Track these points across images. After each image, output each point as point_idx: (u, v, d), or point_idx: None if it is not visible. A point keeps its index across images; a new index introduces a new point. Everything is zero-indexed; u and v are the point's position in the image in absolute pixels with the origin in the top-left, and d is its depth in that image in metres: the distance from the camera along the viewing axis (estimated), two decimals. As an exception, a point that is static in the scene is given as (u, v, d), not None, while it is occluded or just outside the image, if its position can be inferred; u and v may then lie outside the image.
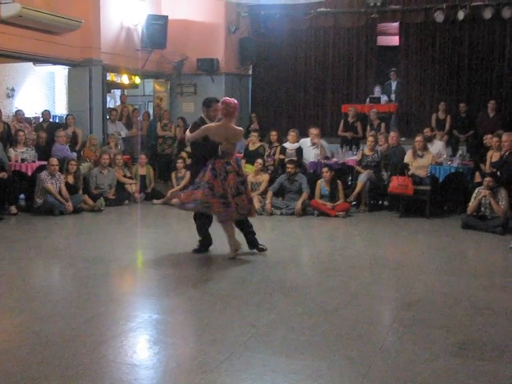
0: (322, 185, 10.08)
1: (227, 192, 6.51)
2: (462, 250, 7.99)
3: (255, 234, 7.09)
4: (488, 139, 10.10)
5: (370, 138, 10.92)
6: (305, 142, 11.31)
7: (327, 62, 14.55)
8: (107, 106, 13.46)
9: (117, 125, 12.75)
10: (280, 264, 6.77)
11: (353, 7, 13.96)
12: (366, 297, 5.44)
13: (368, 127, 12.44)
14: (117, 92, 16.54)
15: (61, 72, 14.90)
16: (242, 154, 11.29)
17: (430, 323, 4.70)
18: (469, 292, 5.64)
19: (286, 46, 14.82)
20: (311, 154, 11.10)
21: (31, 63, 13.52)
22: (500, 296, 5.57)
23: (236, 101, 6.81)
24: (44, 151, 10.74)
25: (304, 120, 14.49)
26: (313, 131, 11.26)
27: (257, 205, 9.80)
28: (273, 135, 11.51)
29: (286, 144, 11.27)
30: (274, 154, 11.19)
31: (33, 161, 10.28)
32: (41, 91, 15.75)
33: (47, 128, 11.92)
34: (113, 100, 16.69)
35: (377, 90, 13.84)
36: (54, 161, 9.97)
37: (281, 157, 11.03)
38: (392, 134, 10.88)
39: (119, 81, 14.85)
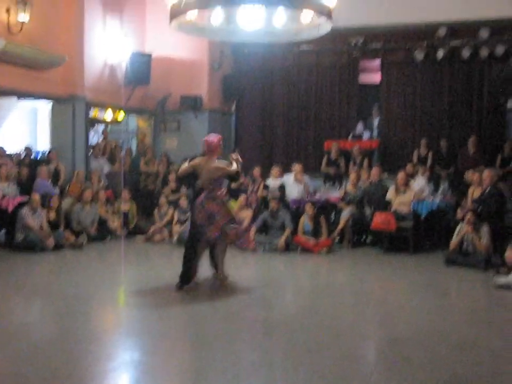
0: (305, 222, 10.07)
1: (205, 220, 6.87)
2: (446, 286, 7.99)
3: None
4: (470, 175, 10.20)
5: (353, 175, 10.98)
6: (289, 178, 11.34)
7: (310, 98, 14.69)
8: (90, 142, 13.43)
9: (99, 161, 12.70)
10: (263, 301, 6.72)
11: (336, 46, 14.15)
12: (350, 335, 5.40)
13: (351, 163, 12.51)
14: (101, 127, 16.52)
15: (43, 108, 14.89)
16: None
17: (415, 361, 4.67)
18: (453, 328, 5.62)
19: (269, 83, 14.95)
20: (294, 190, 11.13)
21: (14, 99, 13.50)
22: (484, 332, 5.56)
23: (218, 139, 7.03)
24: (26, 187, 10.65)
25: (287, 156, 14.54)
26: (297, 167, 11.31)
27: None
28: (256, 171, 11.53)
29: (269, 180, 11.29)
30: (257, 190, 11.19)
31: (15, 197, 10.17)
32: (23, 126, 15.70)
33: (29, 163, 11.84)
34: (97, 135, 16.66)
35: (359, 127, 13.97)
36: (36, 196, 9.88)
37: (265, 193, 11.04)
38: (373, 170, 10.96)
39: (102, 116, 14.85)
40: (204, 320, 5.90)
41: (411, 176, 10.69)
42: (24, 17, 10.73)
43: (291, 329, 5.53)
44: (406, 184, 10.20)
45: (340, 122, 14.45)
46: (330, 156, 12.74)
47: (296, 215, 10.37)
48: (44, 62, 11.28)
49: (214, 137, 7.06)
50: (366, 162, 12.39)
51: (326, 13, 7.17)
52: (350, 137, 13.72)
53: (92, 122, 14.09)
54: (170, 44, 13.64)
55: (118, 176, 12.43)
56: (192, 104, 13.81)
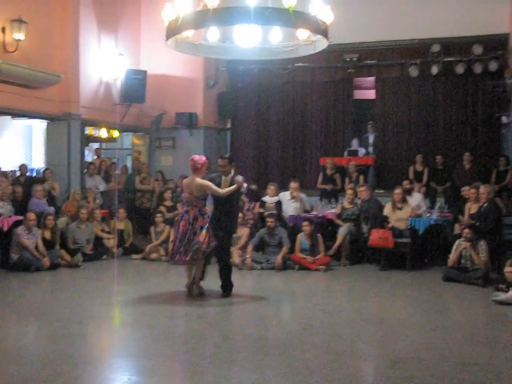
0: (302, 239, 10.03)
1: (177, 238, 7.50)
2: (445, 303, 7.94)
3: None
4: (466, 191, 10.21)
5: (349, 191, 10.96)
6: (285, 196, 11.32)
7: (306, 115, 14.70)
8: (85, 160, 13.39)
9: (95, 179, 12.65)
10: (262, 320, 6.66)
11: (330, 62, 14.20)
12: (350, 355, 5.33)
13: (347, 180, 12.49)
14: (96, 145, 16.48)
15: (38, 126, 14.83)
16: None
17: (417, 381, 4.60)
18: (454, 346, 5.56)
19: (264, 100, 14.97)
20: (290, 207, 11.10)
21: (8, 117, 13.46)
22: (485, 350, 5.51)
23: (203, 158, 7.73)
24: (21, 206, 10.57)
25: (283, 173, 14.53)
26: (293, 185, 11.29)
27: (237, 259, 9.78)
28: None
29: (266, 198, 11.26)
30: (253, 208, 11.15)
31: (10, 216, 10.09)
32: (18, 145, 15.62)
33: (24, 182, 11.77)
34: (92, 153, 16.61)
35: (354, 143, 13.98)
36: (31, 216, 9.82)
37: (261, 210, 11.00)
38: (361, 188, 10.93)
39: (97, 134, 14.82)
40: (201, 340, 5.83)
41: (407, 192, 10.67)
42: (19, 36, 10.74)
43: (290, 348, 5.46)
44: (403, 200, 10.19)
45: (335, 139, 14.46)
46: (326, 172, 12.72)
47: (293, 233, 10.33)
48: (39, 81, 11.28)
49: (198, 158, 7.71)
50: (362, 178, 12.39)
51: (322, 32, 7.17)
52: (345, 153, 13.71)
53: (87, 140, 14.06)
54: (165, 61, 13.66)
55: (113, 194, 12.39)
56: (187, 121, 13.81)
